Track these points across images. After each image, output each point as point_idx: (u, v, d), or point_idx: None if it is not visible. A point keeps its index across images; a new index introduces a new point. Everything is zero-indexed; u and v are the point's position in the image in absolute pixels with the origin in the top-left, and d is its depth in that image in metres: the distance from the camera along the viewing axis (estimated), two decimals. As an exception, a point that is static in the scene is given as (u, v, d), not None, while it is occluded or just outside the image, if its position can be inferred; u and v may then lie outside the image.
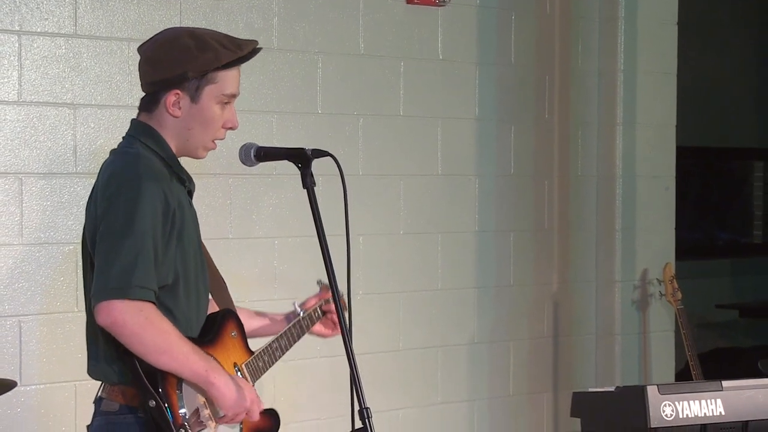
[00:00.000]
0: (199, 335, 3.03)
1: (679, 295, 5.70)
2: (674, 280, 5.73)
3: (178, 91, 2.97)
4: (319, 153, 3.01)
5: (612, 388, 4.06)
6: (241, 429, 3.05)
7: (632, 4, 5.77)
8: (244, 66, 3.10)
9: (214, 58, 2.96)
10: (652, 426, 3.83)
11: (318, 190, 2.98)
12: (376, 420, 2.84)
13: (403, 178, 5.21)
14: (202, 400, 2.93)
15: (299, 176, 2.98)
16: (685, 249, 6.37)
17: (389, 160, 5.15)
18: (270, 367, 3.21)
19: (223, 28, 3.26)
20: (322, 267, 2.96)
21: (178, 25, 4.17)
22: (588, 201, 5.84)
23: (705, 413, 3.93)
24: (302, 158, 3.00)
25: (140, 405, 2.88)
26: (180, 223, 2.94)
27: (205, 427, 2.93)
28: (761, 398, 4.00)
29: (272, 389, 4.46)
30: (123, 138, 3.05)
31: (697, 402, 3.91)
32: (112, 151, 3.03)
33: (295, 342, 3.36)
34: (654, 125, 5.89)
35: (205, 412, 2.93)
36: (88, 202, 2.98)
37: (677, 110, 5.96)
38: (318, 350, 4.82)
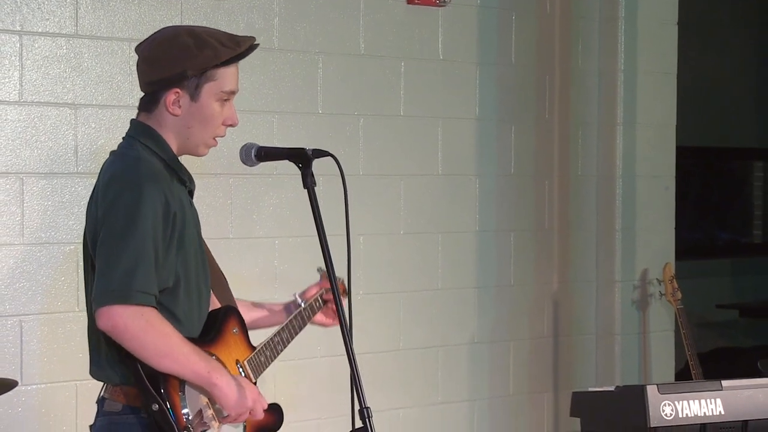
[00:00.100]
0: (200, 333, 3.03)
1: (679, 295, 5.70)
2: (674, 279, 5.73)
3: (178, 90, 2.96)
4: (320, 153, 3.01)
5: (612, 388, 4.07)
6: (244, 427, 3.05)
7: (632, 4, 5.77)
8: (244, 66, 3.11)
9: (213, 55, 2.96)
10: (651, 425, 3.83)
11: (318, 190, 2.99)
12: (376, 419, 2.84)
13: (404, 178, 5.22)
14: (205, 400, 2.94)
15: (300, 176, 2.99)
16: (685, 249, 6.37)
17: (390, 160, 5.16)
18: (272, 361, 3.21)
19: (223, 28, 3.26)
20: (323, 266, 2.97)
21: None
22: (588, 201, 5.84)
23: (705, 413, 3.93)
24: (303, 158, 3.00)
25: (143, 406, 2.88)
26: (181, 226, 2.94)
27: (208, 427, 2.93)
28: (761, 398, 4.01)
29: (273, 389, 4.45)
30: (123, 138, 3.05)
31: (696, 402, 3.92)
32: (112, 153, 3.03)
33: (296, 334, 3.34)
34: (654, 125, 5.89)
35: (209, 413, 2.94)
36: (89, 203, 2.98)
37: (677, 110, 5.97)
38: (318, 350, 4.83)
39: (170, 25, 3.35)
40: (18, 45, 4.19)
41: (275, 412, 3.15)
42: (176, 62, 2.95)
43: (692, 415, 3.91)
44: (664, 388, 3.90)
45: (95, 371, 2.98)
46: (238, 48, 3.01)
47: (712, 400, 3.94)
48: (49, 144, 4.25)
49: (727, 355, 7.36)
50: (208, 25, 4.04)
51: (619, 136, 5.79)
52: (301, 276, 3.52)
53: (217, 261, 3.26)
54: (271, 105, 4.79)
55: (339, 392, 4.27)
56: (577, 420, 4.18)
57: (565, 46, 5.77)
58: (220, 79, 3.00)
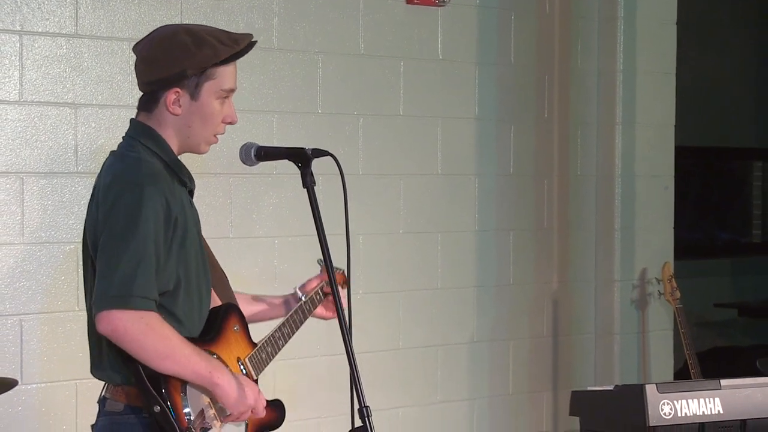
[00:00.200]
0: (201, 332, 3.03)
1: (678, 295, 5.71)
2: (673, 279, 5.74)
3: (178, 89, 2.96)
4: (319, 152, 3.01)
5: (611, 387, 4.08)
6: (246, 426, 3.06)
7: (631, 4, 5.78)
8: (244, 65, 3.11)
9: (212, 54, 2.96)
10: (650, 425, 3.84)
11: (318, 189, 2.99)
12: (376, 419, 2.84)
13: (403, 178, 5.22)
14: (206, 400, 2.94)
15: (299, 176, 2.99)
16: (684, 248, 6.38)
17: (389, 160, 5.16)
18: (274, 357, 3.21)
19: (223, 28, 3.26)
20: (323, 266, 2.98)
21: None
22: (587, 200, 5.85)
23: (703, 412, 3.94)
24: (302, 158, 3.00)
25: (144, 406, 2.88)
26: (182, 229, 2.94)
27: (210, 427, 2.94)
28: (760, 397, 4.01)
29: (272, 387, 4.46)
30: (123, 138, 3.05)
31: (695, 401, 3.93)
32: (112, 153, 3.03)
33: (297, 328, 3.34)
34: (653, 125, 5.90)
35: (210, 412, 2.94)
36: (89, 203, 2.97)
37: (676, 110, 5.97)
38: (318, 349, 4.83)
39: (169, 24, 3.35)
40: (18, 45, 4.20)
41: (277, 408, 3.16)
42: (175, 62, 2.94)
43: (691, 414, 3.91)
44: (663, 388, 3.91)
45: (96, 371, 2.99)
46: (236, 46, 3.01)
47: (711, 400, 3.94)
48: (49, 143, 4.25)
49: (725, 355, 7.37)
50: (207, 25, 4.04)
51: (619, 136, 5.80)
52: (300, 275, 3.52)
53: (217, 260, 3.26)
54: (270, 104, 4.79)
55: (339, 391, 4.28)
56: (577, 419, 4.19)
57: (565, 46, 5.77)
58: (219, 78, 3.00)
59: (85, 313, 2.98)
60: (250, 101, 4.70)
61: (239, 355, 3.09)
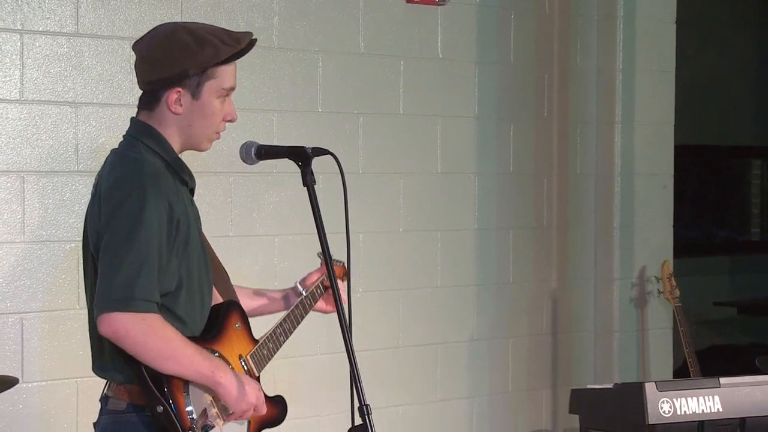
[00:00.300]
0: (203, 330, 3.03)
1: (677, 293, 5.72)
2: (672, 277, 5.74)
3: (180, 89, 2.96)
4: (320, 151, 3.02)
5: (610, 385, 4.09)
6: (249, 423, 3.07)
7: (631, 2, 5.78)
8: (244, 64, 3.11)
9: (214, 54, 2.96)
10: (650, 423, 3.85)
11: (318, 188, 3.00)
12: (375, 417, 2.85)
13: (403, 176, 5.23)
14: (209, 399, 2.95)
15: (299, 174, 2.99)
16: (683, 247, 6.38)
17: (389, 159, 5.17)
18: (275, 353, 3.21)
19: (224, 27, 3.27)
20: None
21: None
22: (587, 199, 5.86)
23: (702, 410, 3.95)
24: (302, 156, 3.00)
25: (147, 405, 2.89)
26: (185, 231, 2.94)
27: (213, 426, 2.94)
28: (759, 395, 4.02)
29: (272, 386, 4.48)
30: (123, 137, 3.05)
31: (694, 399, 3.94)
32: (114, 152, 3.02)
33: (299, 323, 3.33)
34: (652, 123, 5.91)
35: (213, 411, 2.95)
36: (91, 202, 2.96)
37: (675, 109, 5.98)
38: (318, 347, 4.84)
39: (168, 22, 3.34)
40: (19, 44, 4.20)
41: (278, 404, 3.17)
42: (177, 61, 2.94)
43: (690, 412, 3.92)
44: (662, 386, 3.92)
45: (98, 369, 2.99)
46: (238, 45, 3.01)
47: (710, 398, 3.95)
48: (49, 142, 4.26)
49: (724, 353, 7.37)
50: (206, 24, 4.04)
51: (618, 135, 5.80)
52: (301, 273, 3.53)
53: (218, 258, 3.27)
54: (270, 103, 4.80)
55: (338, 389, 4.29)
56: (576, 417, 4.20)
57: (564, 45, 5.78)
58: (220, 77, 3.00)
59: (85, 312, 2.98)
60: (251, 100, 4.70)
61: (241, 352, 3.09)
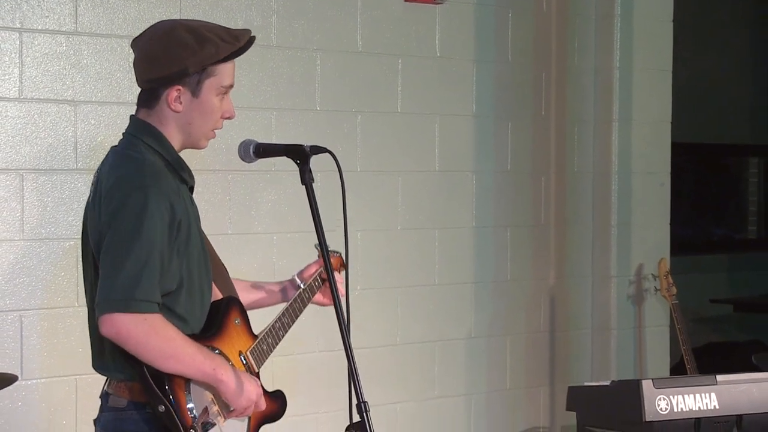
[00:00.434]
0: (203, 328, 3.04)
1: (674, 290, 5.73)
2: (669, 275, 5.76)
3: (179, 87, 2.96)
4: (318, 149, 3.02)
5: (607, 383, 4.09)
6: (249, 419, 3.08)
7: (628, 1, 5.79)
8: (243, 63, 3.11)
9: (213, 52, 2.96)
10: (647, 420, 3.86)
11: (316, 186, 3.00)
12: (373, 414, 2.85)
13: (401, 175, 5.24)
14: (210, 396, 2.95)
15: (298, 172, 2.99)
16: (680, 244, 6.40)
17: (387, 157, 5.18)
18: (275, 348, 3.21)
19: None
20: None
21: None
22: (584, 197, 5.87)
23: (699, 407, 3.96)
24: (301, 154, 3.00)
25: (148, 402, 2.89)
26: (186, 231, 2.94)
27: (214, 423, 2.95)
28: (755, 392, 4.03)
29: (271, 383, 4.49)
30: (123, 135, 3.05)
31: (691, 396, 3.94)
32: (114, 150, 3.02)
33: (297, 317, 3.34)
34: (649, 122, 5.92)
35: (214, 408, 2.96)
36: (92, 201, 2.96)
37: (673, 107, 5.99)
38: (316, 344, 4.85)
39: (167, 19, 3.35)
40: (18, 42, 4.21)
41: (278, 399, 3.18)
42: (177, 59, 2.94)
43: (687, 409, 3.93)
44: (659, 383, 3.93)
45: (98, 365, 3.00)
46: (237, 43, 3.01)
47: (707, 395, 3.96)
48: (48, 140, 4.27)
49: (721, 350, 7.39)
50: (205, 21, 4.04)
51: (615, 133, 5.81)
52: (299, 269, 3.53)
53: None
54: (269, 102, 4.80)
55: (337, 387, 4.31)
56: (573, 414, 4.21)
57: (562, 44, 5.79)
58: (219, 75, 3.00)
59: (85, 309, 2.99)
60: (249, 98, 4.71)
61: (241, 348, 3.10)
